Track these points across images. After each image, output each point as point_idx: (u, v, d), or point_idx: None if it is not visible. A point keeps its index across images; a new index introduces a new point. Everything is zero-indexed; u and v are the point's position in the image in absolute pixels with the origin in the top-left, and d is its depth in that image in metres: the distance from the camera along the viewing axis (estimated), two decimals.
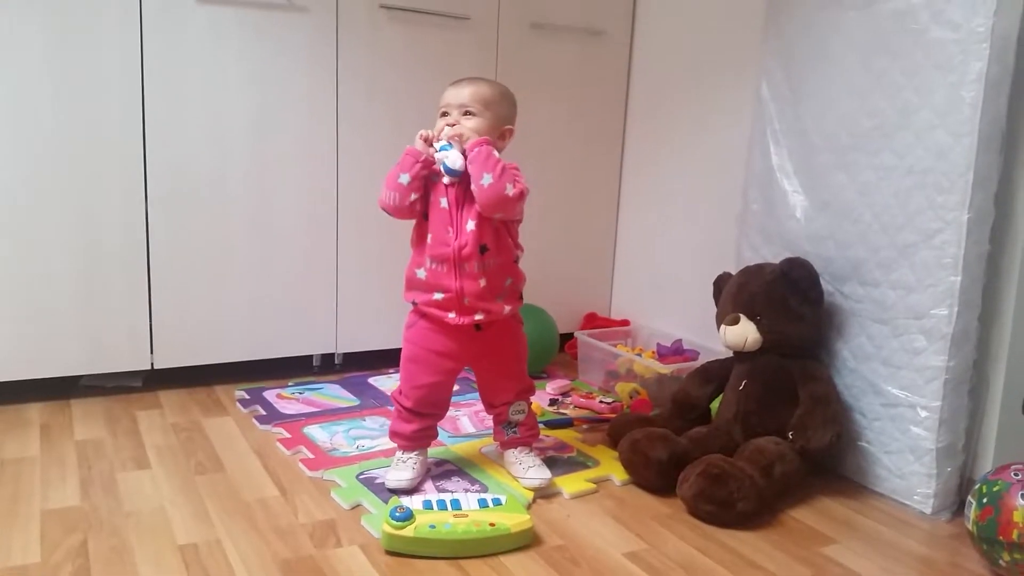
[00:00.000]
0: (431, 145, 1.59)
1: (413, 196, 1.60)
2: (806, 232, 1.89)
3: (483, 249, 1.60)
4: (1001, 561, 1.39)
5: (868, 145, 1.76)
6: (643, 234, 2.65)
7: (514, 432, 1.75)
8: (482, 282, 1.61)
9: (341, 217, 2.26)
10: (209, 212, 2.11)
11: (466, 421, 2.03)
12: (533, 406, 1.84)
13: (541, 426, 1.99)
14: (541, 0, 2.44)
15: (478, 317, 1.62)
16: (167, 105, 2.01)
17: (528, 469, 1.70)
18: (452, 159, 1.56)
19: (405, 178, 1.59)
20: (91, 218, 1.98)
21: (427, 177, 1.62)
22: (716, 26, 2.32)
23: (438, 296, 1.62)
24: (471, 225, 1.59)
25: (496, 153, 1.58)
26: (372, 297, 2.33)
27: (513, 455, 1.74)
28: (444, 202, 1.61)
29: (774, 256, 1.91)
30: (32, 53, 1.87)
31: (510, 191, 1.55)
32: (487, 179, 1.54)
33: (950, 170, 1.60)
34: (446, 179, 1.58)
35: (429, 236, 1.62)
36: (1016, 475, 1.39)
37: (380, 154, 2.25)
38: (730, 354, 1.91)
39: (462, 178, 1.58)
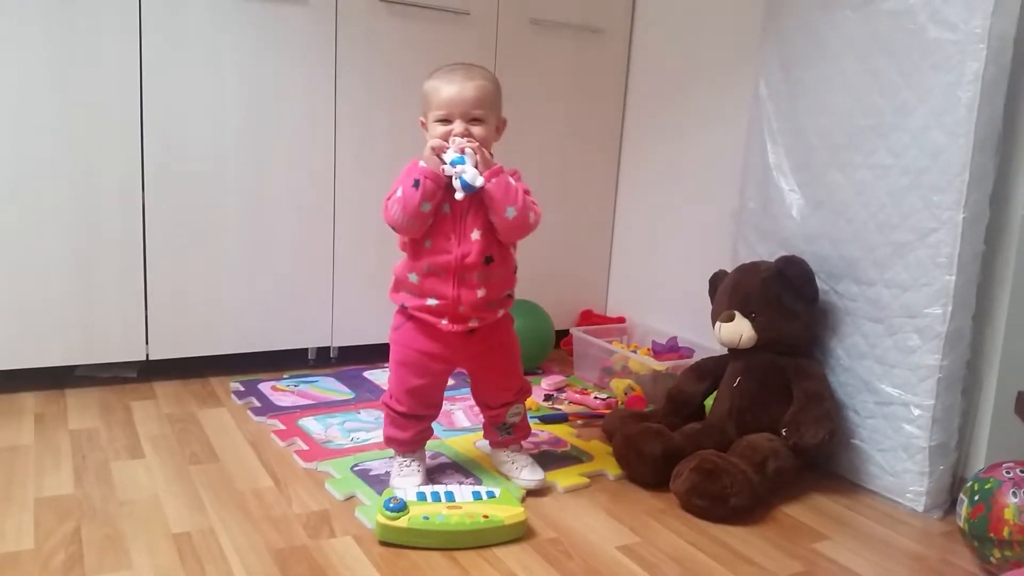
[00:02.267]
0: (441, 158, 1.48)
1: (430, 220, 1.53)
2: (802, 230, 1.90)
3: (488, 260, 1.54)
4: (992, 558, 1.39)
5: (864, 144, 1.76)
6: (639, 232, 2.65)
7: (508, 434, 1.71)
8: (481, 292, 1.55)
9: (338, 211, 2.26)
10: (206, 204, 2.11)
11: (460, 415, 2.04)
12: (528, 402, 1.84)
13: (536, 421, 2.00)
14: None
15: (472, 324, 1.58)
16: (165, 97, 2.01)
17: (522, 469, 1.68)
18: (471, 175, 1.44)
19: (427, 206, 1.49)
20: (87, 209, 1.98)
21: None
22: (714, 24, 2.33)
23: (431, 302, 1.56)
24: (476, 235, 1.52)
25: (512, 180, 1.51)
26: (368, 291, 2.32)
27: (505, 454, 1.72)
28: (447, 208, 1.53)
29: (770, 254, 1.91)
30: (31, 46, 1.87)
31: (531, 219, 1.53)
32: (511, 212, 1.49)
33: (946, 170, 1.61)
34: (459, 195, 1.46)
35: (428, 241, 1.54)
36: (1008, 473, 1.40)
37: (378, 148, 2.26)
38: (725, 351, 1.92)
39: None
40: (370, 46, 2.23)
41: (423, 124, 1.58)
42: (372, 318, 2.35)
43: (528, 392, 1.74)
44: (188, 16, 2.01)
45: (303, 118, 2.18)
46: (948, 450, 1.68)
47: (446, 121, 1.52)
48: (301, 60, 2.15)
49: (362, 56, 2.22)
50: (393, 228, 1.55)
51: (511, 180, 1.51)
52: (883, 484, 1.74)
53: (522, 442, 1.75)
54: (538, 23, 2.45)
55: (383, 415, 1.68)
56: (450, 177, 1.46)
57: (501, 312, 1.62)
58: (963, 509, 1.44)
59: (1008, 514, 1.35)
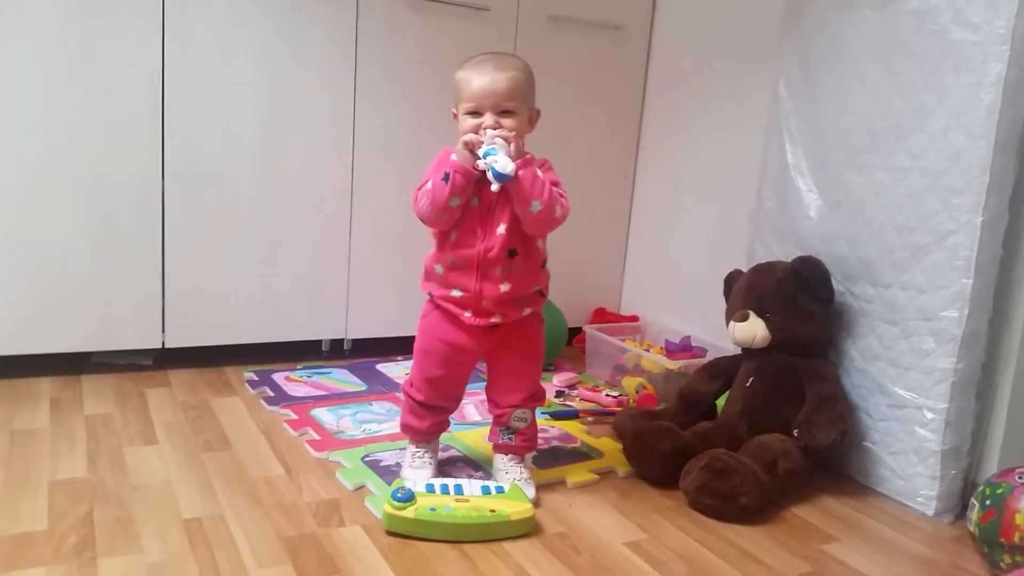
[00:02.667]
0: (474, 152, 1.46)
1: (458, 214, 1.50)
2: (819, 231, 1.89)
3: (512, 253, 1.51)
4: (1002, 564, 1.38)
5: (883, 145, 1.75)
6: (655, 230, 2.65)
7: (510, 439, 1.64)
8: (504, 286, 1.52)
9: (355, 204, 2.27)
10: (225, 194, 2.12)
11: (472, 409, 2.04)
12: None
13: (546, 417, 2.00)
14: None
15: (495, 319, 1.55)
16: (186, 90, 2.03)
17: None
18: (502, 163, 1.41)
19: (456, 201, 1.47)
20: (107, 196, 2.00)
21: None
22: (734, 23, 2.32)
23: (456, 293, 1.54)
24: (502, 228, 1.50)
25: (539, 173, 1.48)
26: (383, 284, 2.34)
27: (502, 462, 1.65)
28: (475, 201, 1.50)
29: (786, 254, 1.90)
30: (52, 33, 1.89)
31: (558, 213, 1.49)
32: (536, 205, 1.46)
33: (965, 172, 1.60)
34: (495, 186, 1.42)
35: (454, 233, 1.52)
36: (1020, 478, 1.39)
37: (397, 142, 2.27)
38: (738, 351, 1.91)
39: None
40: (390, 41, 2.23)
41: (455, 115, 1.56)
42: (386, 311, 2.36)
43: (541, 400, 1.67)
44: (209, 9, 2.02)
45: (323, 112, 2.19)
46: (960, 454, 1.67)
47: (476, 113, 1.49)
48: (321, 54, 2.16)
49: (382, 51, 2.23)
50: (421, 220, 1.53)
51: (538, 172, 1.49)
52: (894, 487, 1.73)
53: (525, 454, 1.67)
54: (557, 19, 2.45)
55: (403, 402, 1.67)
56: (483, 171, 1.44)
57: (528, 311, 1.58)
58: (974, 514, 1.43)
59: (1020, 519, 1.35)
